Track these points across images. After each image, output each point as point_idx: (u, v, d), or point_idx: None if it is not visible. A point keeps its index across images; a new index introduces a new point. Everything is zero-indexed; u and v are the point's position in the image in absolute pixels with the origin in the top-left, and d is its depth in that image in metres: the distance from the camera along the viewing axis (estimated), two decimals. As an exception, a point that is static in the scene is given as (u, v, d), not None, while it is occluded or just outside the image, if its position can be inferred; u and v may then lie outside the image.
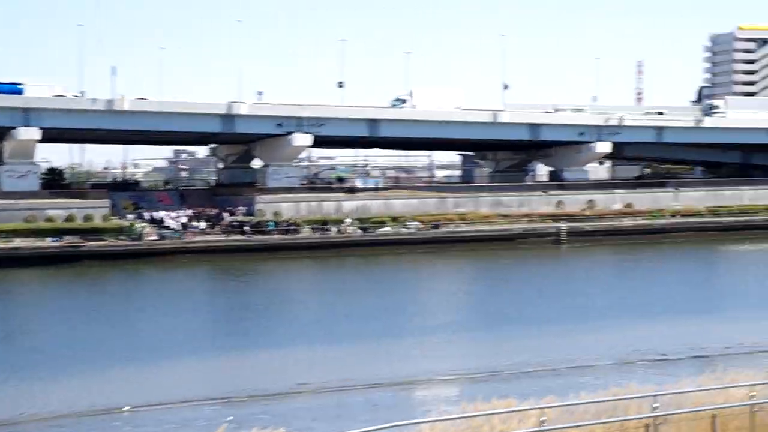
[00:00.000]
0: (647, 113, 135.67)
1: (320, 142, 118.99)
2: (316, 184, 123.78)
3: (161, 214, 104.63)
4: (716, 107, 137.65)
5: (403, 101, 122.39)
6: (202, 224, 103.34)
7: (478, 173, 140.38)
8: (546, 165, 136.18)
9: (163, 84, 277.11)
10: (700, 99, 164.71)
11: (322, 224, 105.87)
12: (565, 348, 53.88)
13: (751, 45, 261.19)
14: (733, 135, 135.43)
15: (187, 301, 74.46)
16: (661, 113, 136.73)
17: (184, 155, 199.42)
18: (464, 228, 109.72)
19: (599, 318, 63.94)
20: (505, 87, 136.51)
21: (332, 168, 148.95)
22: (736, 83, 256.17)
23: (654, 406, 26.57)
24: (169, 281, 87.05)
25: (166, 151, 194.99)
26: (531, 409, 27.05)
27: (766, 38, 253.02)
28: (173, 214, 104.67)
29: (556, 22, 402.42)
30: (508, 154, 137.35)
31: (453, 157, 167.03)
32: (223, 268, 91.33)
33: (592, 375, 46.40)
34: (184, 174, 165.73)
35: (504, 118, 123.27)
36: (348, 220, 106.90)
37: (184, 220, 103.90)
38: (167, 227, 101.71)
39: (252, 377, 47.98)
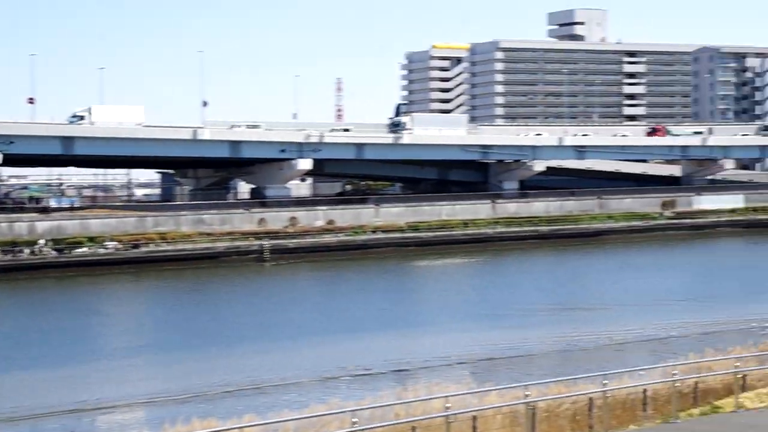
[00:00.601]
0: (333, 130, 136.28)
1: (10, 160, 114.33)
2: (7, 204, 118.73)
3: None
4: (403, 124, 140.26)
5: (81, 118, 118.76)
6: None
7: (179, 191, 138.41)
8: (248, 182, 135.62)
9: None
10: (398, 115, 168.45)
11: (12, 246, 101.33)
12: (270, 366, 53.53)
13: (446, 63, 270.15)
14: (430, 151, 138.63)
15: None
16: (347, 130, 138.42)
17: None
18: (165, 247, 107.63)
19: (303, 335, 63.85)
20: (205, 104, 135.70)
21: (24, 187, 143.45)
22: (433, 101, 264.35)
23: (353, 420, 26.27)
24: None
25: None
26: (231, 429, 26.55)
27: (459, 57, 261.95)
28: None
29: (254, 39, 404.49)
30: (209, 171, 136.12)
31: (153, 175, 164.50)
32: None
33: (296, 392, 46.32)
34: None
35: (204, 135, 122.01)
36: (42, 241, 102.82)
37: None
38: None
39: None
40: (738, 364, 35.53)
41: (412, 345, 59.21)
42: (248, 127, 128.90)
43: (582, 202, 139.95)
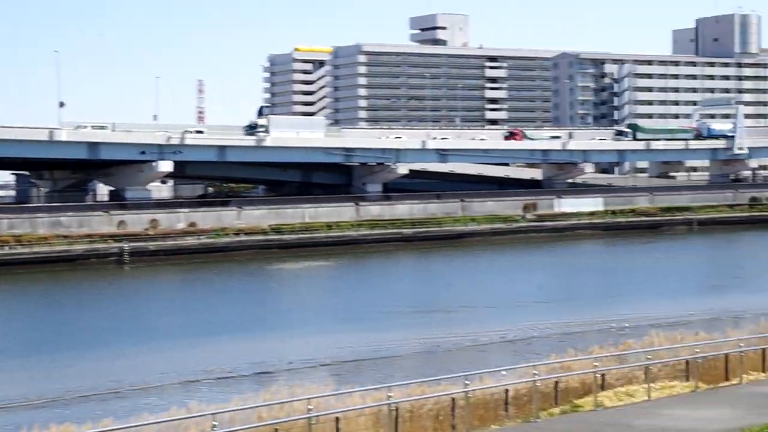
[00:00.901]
0: (186, 131, 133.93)
1: None
2: None
3: None
4: (260, 126, 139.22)
5: None
6: None
7: (35, 193, 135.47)
8: (107, 184, 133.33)
9: None
10: (260, 118, 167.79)
11: None
12: (130, 369, 52.68)
13: (309, 66, 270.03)
14: (292, 154, 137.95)
15: None
16: (200, 132, 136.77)
17: None
18: (20, 250, 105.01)
19: (164, 338, 63.00)
20: (61, 105, 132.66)
21: None
22: (296, 103, 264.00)
23: (213, 423, 25.85)
24: None
25: None
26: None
27: (322, 60, 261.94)
28: None
29: (113, 39, 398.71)
30: (66, 173, 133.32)
31: (7, 176, 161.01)
32: None
33: (156, 395, 45.69)
34: None
35: (61, 136, 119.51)
36: None
37: None
38: None
39: None
40: (597, 363, 35.98)
41: (275, 348, 58.76)
42: (94, 128, 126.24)
43: (445, 205, 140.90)
